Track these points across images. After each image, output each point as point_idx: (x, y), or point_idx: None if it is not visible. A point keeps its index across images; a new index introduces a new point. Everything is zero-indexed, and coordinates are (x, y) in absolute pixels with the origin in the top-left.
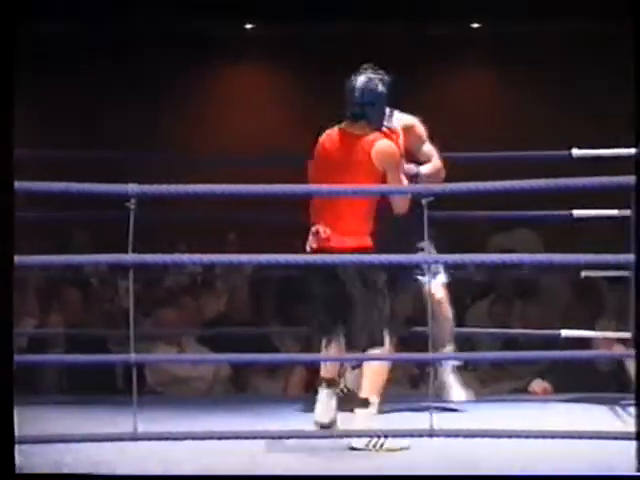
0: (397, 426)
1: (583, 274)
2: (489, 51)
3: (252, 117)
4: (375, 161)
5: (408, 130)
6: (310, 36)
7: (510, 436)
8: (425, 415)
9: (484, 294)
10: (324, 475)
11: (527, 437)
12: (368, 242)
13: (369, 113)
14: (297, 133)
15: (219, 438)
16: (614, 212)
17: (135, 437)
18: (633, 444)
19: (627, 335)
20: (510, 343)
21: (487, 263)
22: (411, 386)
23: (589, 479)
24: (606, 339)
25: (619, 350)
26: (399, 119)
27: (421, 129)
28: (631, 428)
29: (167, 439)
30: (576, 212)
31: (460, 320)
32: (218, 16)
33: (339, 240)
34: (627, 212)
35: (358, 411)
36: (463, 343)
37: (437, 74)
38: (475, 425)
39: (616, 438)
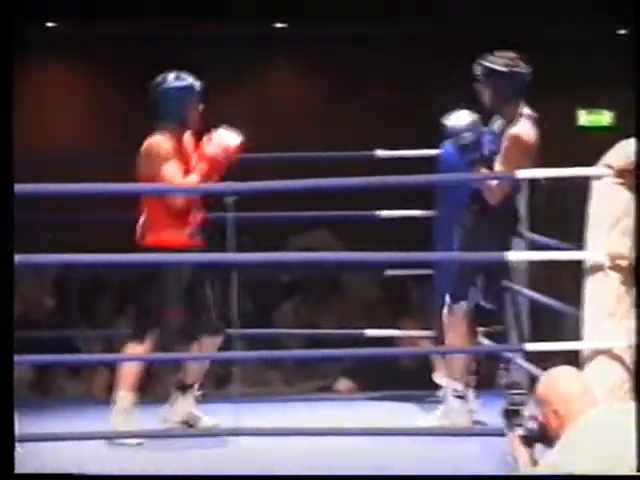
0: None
1: (388, 273)
2: (297, 52)
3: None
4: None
5: None
6: (114, 36)
7: (315, 434)
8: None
9: (290, 294)
10: (324, 475)
11: (336, 435)
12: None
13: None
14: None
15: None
16: (419, 213)
17: None
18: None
19: (430, 333)
20: (315, 342)
21: (296, 262)
22: (216, 386)
23: (589, 479)
24: (411, 337)
25: (424, 348)
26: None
27: None
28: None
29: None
30: (383, 213)
31: (267, 320)
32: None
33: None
34: (430, 213)
35: None
36: (269, 342)
37: (244, 75)
38: (282, 424)
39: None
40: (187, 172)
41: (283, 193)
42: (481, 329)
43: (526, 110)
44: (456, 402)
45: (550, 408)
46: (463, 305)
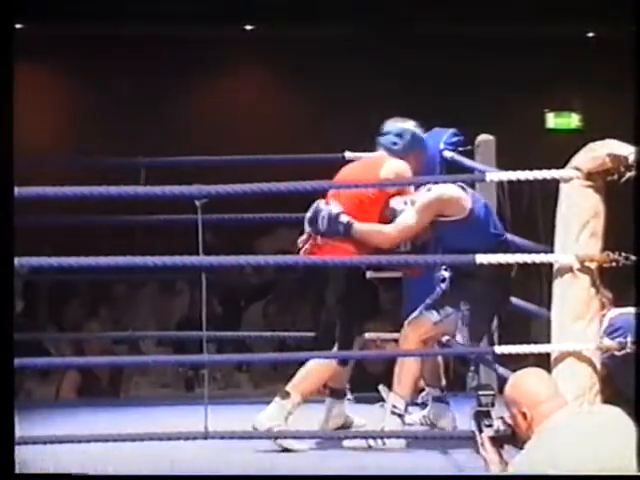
0: (172, 427)
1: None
2: (265, 53)
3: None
4: None
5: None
6: (75, 37)
7: (287, 437)
8: (201, 417)
9: (259, 296)
10: (324, 475)
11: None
12: None
13: None
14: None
15: None
16: None
17: None
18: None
19: (397, 336)
20: (284, 344)
21: (266, 265)
22: (186, 389)
23: (589, 479)
24: (378, 339)
25: (392, 350)
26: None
27: None
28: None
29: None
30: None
31: (235, 323)
32: None
33: None
34: None
35: None
36: (238, 345)
37: (210, 77)
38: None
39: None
40: None
41: (255, 196)
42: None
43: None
44: (392, 420)
45: (518, 409)
46: (434, 318)
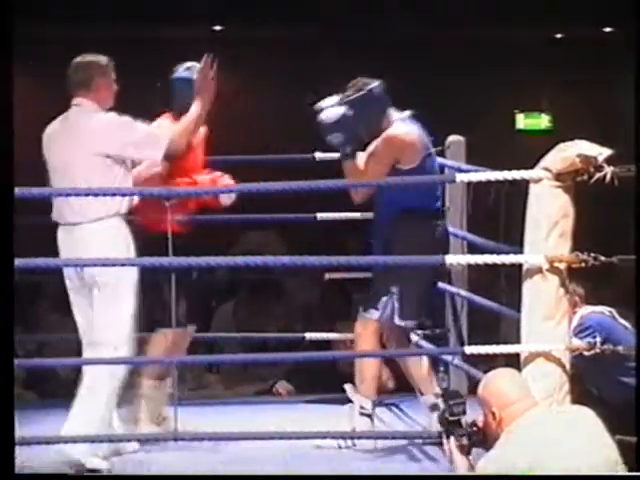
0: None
1: (327, 276)
2: (234, 54)
3: None
4: None
5: None
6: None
7: (258, 438)
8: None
9: (229, 296)
10: (323, 475)
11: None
12: None
13: None
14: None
15: None
16: (357, 215)
17: None
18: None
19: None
20: (255, 345)
21: (236, 266)
22: None
23: (589, 479)
24: (348, 340)
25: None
26: None
27: None
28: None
29: None
30: (319, 215)
31: (206, 323)
32: None
33: None
34: (369, 215)
35: None
36: (208, 345)
37: None
38: (219, 428)
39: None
40: (194, 157)
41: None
42: (419, 332)
43: (398, 115)
44: (361, 421)
45: (488, 409)
46: (374, 316)
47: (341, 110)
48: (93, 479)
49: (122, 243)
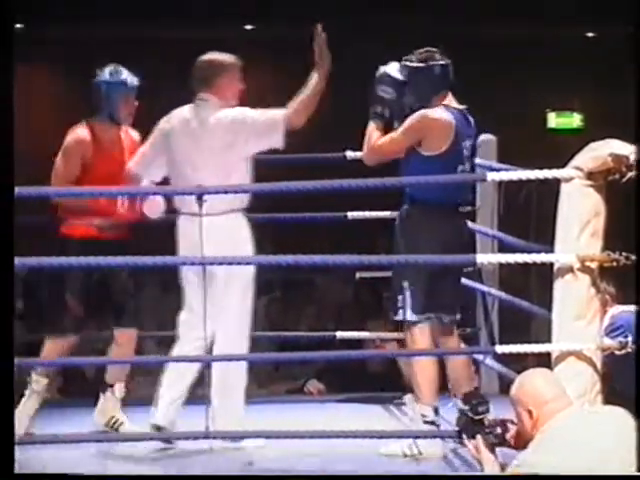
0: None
1: (358, 275)
2: (265, 53)
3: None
4: None
5: None
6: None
7: (286, 437)
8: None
9: (260, 296)
10: (322, 475)
11: (311, 438)
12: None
13: None
14: None
15: None
16: (387, 214)
17: None
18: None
19: (399, 335)
20: (286, 344)
21: (267, 264)
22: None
23: (589, 479)
24: (379, 340)
25: (392, 350)
26: None
27: None
28: (406, 426)
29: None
30: (350, 214)
31: None
32: None
33: None
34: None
35: None
36: None
37: None
38: (250, 426)
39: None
40: (112, 166)
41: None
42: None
43: (450, 102)
44: (426, 429)
45: (524, 408)
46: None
47: (400, 72)
48: (93, 479)
49: (244, 237)
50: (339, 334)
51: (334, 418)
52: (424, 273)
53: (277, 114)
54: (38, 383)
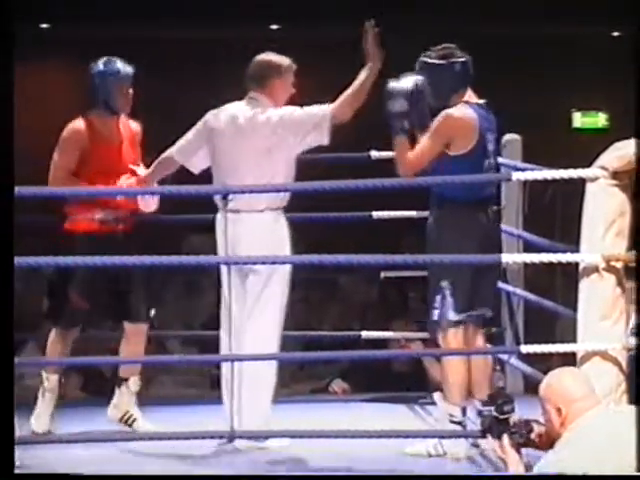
0: (198, 427)
1: (383, 275)
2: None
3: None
4: None
5: None
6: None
7: (311, 436)
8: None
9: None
10: (324, 475)
11: (335, 437)
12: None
13: None
14: None
15: None
16: (413, 213)
17: None
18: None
19: (425, 335)
20: (311, 343)
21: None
22: (211, 387)
23: (588, 479)
24: (404, 339)
25: (417, 350)
26: None
27: None
28: (431, 426)
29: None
30: (375, 213)
31: None
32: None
33: None
34: (425, 213)
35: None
36: None
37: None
38: (274, 426)
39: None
40: (111, 157)
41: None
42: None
43: (470, 98)
44: (452, 429)
45: (553, 406)
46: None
47: (413, 82)
48: (93, 479)
49: (281, 235)
50: (364, 334)
51: (359, 418)
52: (465, 272)
53: (323, 110)
54: (49, 381)
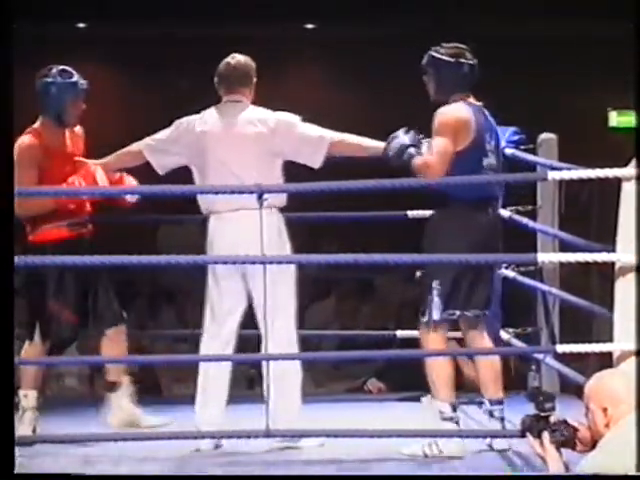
0: (235, 426)
1: (418, 274)
2: (324, 51)
3: None
4: None
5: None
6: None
7: (348, 436)
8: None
9: (321, 295)
10: (324, 475)
11: (371, 437)
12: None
13: None
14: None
15: None
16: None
17: None
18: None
19: (458, 334)
20: (345, 343)
21: (327, 263)
22: (247, 387)
23: (588, 479)
24: None
25: (452, 349)
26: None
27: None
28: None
29: None
30: (410, 213)
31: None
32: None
33: None
34: None
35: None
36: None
37: (272, 76)
38: (310, 425)
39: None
40: (67, 168)
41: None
42: (511, 330)
43: (469, 100)
44: (446, 426)
45: (599, 406)
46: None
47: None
48: (93, 479)
49: (282, 235)
50: (399, 333)
51: (394, 417)
52: (459, 271)
53: (326, 136)
54: (28, 398)
